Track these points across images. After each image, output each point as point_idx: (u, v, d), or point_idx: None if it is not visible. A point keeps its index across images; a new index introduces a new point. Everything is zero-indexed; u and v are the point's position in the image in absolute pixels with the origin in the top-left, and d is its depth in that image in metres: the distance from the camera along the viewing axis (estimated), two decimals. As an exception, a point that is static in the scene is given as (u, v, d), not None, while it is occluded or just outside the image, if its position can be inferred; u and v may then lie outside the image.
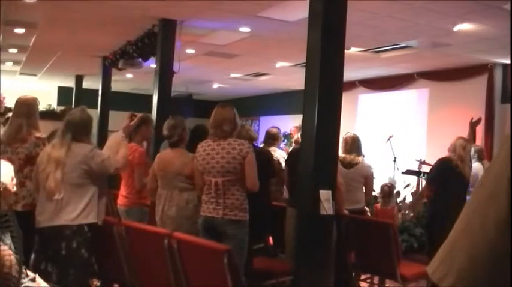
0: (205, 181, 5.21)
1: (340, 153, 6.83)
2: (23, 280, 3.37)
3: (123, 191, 6.25)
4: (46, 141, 5.53)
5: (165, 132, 5.70)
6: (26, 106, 5.63)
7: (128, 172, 6.10)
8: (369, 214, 8.02)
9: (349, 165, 6.91)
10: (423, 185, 8.55)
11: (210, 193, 5.11)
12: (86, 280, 4.73)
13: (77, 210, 4.67)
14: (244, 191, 5.15)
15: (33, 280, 3.53)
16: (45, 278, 4.36)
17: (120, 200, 6.24)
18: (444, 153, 7.04)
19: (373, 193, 9.06)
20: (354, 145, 7.04)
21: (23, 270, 3.38)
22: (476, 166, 8.95)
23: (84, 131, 4.92)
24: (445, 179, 6.75)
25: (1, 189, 3.92)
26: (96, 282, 6.20)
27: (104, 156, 4.83)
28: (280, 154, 8.13)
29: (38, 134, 5.51)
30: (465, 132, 9.82)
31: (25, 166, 5.38)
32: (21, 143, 5.44)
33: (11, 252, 3.10)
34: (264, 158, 6.26)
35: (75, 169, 4.71)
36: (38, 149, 5.40)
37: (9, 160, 4.99)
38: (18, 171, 4.57)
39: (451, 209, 6.79)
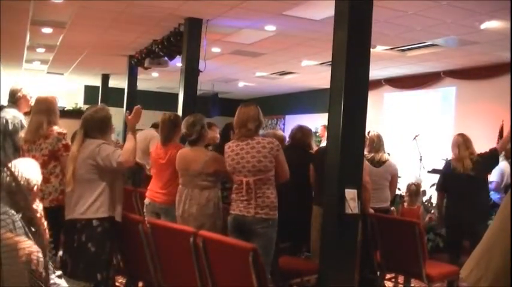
0: (235, 181, 5.25)
1: (366, 151, 6.81)
2: (51, 276, 3.40)
3: (162, 188, 6.16)
4: (67, 136, 5.68)
5: (183, 130, 5.73)
6: (46, 104, 5.73)
7: (170, 171, 6.11)
8: (395, 213, 7.99)
9: (378, 163, 6.91)
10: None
11: (241, 192, 5.16)
12: (93, 274, 4.76)
13: (86, 204, 4.78)
14: (274, 189, 5.22)
15: (60, 276, 3.56)
16: (64, 271, 4.44)
17: (159, 198, 6.14)
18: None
19: (399, 192, 9.04)
20: (380, 143, 7.04)
21: (50, 266, 3.41)
22: (503, 164, 8.88)
23: (97, 129, 4.96)
24: (447, 183, 6.90)
25: (35, 188, 3.97)
26: (121, 279, 6.25)
27: (109, 150, 4.83)
28: None
29: (59, 130, 5.59)
30: (493, 131, 9.74)
31: (49, 162, 5.47)
32: (44, 139, 5.53)
33: (38, 249, 3.13)
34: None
35: (84, 165, 4.82)
36: (60, 144, 5.54)
37: (34, 157, 5.08)
38: (42, 167, 4.63)
39: (459, 208, 6.91)
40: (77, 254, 4.76)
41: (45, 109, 5.66)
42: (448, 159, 7.42)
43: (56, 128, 5.59)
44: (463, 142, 6.95)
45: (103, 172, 4.83)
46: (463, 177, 6.77)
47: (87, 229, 4.76)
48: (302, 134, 6.89)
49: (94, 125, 4.96)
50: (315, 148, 8.07)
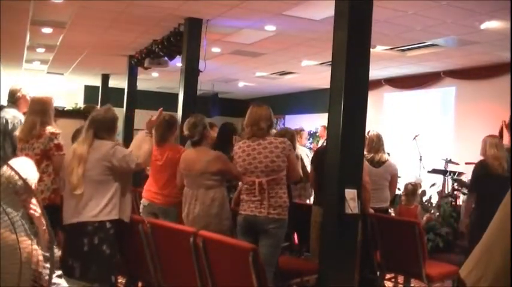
0: (246, 181, 5.26)
1: (365, 152, 6.79)
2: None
3: (161, 189, 6.18)
4: (59, 136, 5.68)
5: (185, 132, 5.70)
6: (40, 104, 5.76)
7: (168, 172, 6.11)
8: (392, 214, 7.98)
9: (377, 164, 6.89)
10: (465, 198, 8.36)
11: (253, 192, 5.17)
12: (108, 276, 4.74)
13: (99, 207, 4.69)
14: (286, 189, 5.24)
15: (60, 276, 3.56)
16: (70, 274, 4.41)
17: (158, 199, 6.17)
18: (471, 152, 7.00)
19: (398, 192, 9.04)
20: (379, 143, 7.02)
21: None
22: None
23: (106, 129, 4.91)
24: (483, 184, 6.65)
25: (33, 186, 3.98)
26: (121, 279, 6.24)
27: (126, 152, 4.83)
28: (303, 151, 8.12)
29: (52, 129, 5.62)
30: (493, 131, 9.71)
31: (41, 161, 5.50)
32: (36, 139, 5.59)
33: (38, 249, 3.13)
34: None
35: (97, 166, 4.73)
36: (51, 143, 5.58)
37: (27, 156, 5.10)
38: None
39: (491, 212, 6.67)
40: (89, 257, 4.67)
41: (39, 110, 5.70)
42: (480, 159, 7.09)
43: (49, 128, 5.62)
44: (498, 142, 6.79)
45: (116, 173, 4.78)
46: (502, 177, 6.58)
47: (101, 232, 4.68)
48: (290, 135, 6.86)
49: (104, 126, 4.90)
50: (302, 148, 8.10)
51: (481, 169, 6.82)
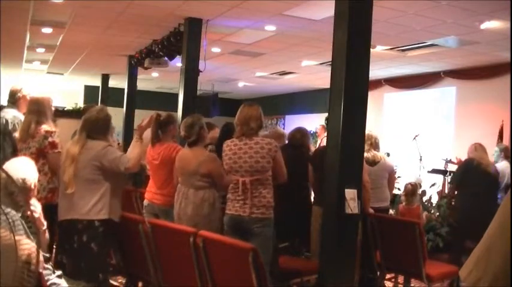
0: (232, 180, 5.25)
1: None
2: (50, 277, 3.40)
3: (160, 189, 6.19)
4: (55, 134, 5.72)
5: (182, 132, 5.71)
6: (37, 104, 5.83)
7: (165, 171, 6.12)
8: (392, 213, 7.97)
9: (373, 163, 6.88)
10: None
11: (237, 191, 5.17)
12: (96, 274, 4.76)
13: (89, 205, 4.73)
14: (271, 189, 5.22)
15: (60, 276, 3.56)
16: (62, 271, 4.42)
17: (158, 199, 6.17)
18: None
19: (398, 192, 9.02)
20: (367, 142, 6.92)
21: (50, 266, 3.40)
22: (503, 164, 8.84)
23: (100, 129, 4.93)
24: (467, 179, 6.82)
25: (33, 186, 3.98)
26: (121, 279, 6.24)
27: (117, 154, 4.84)
28: None
29: (47, 128, 5.64)
30: (493, 131, 9.73)
31: (37, 160, 5.50)
32: (32, 138, 5.65)
33: (38, 249, 3.12)
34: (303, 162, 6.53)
35: (88, 165, 4.76)
36: (46, 142, 5.62)
37: (24, 156, 5.10)
38: None
39: (476, 207, 6.89)
40: (79, 255, 4.72)
41: (35, 110, 5.77)
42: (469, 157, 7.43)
43: (44, 127, 5.66)
44: (479, 147, 7.24)
45: (106, 173, 4.81)
46: (486, 173, 6.79)
47: (90, 230, 4.72)
48: (301, 135, 6.89)
49: (97, 127, 4.92)
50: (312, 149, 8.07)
51: (467, 165, 7.20)
